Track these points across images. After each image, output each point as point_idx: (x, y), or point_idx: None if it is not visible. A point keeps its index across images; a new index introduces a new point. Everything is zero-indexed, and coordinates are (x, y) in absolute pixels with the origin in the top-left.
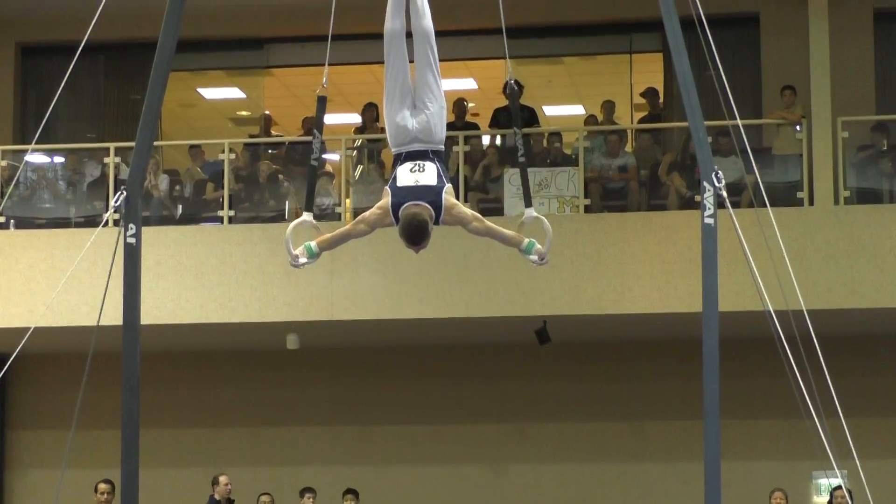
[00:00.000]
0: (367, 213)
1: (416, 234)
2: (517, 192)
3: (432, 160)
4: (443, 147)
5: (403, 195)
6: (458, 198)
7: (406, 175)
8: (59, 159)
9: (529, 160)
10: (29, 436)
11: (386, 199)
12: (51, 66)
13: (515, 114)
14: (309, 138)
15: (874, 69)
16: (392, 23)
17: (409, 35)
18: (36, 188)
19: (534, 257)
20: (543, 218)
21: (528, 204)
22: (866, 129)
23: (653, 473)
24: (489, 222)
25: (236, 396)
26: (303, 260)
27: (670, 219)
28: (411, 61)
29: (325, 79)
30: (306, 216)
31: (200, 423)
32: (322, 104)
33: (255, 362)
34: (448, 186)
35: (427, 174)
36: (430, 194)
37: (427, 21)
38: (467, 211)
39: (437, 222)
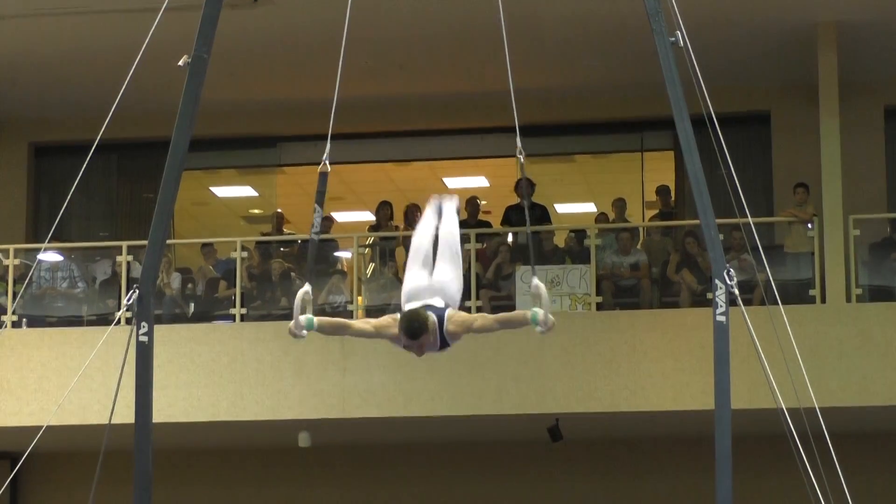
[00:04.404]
0: (377, 319)
1: (414, 324)
2: (529, 289)
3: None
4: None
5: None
6: (469, 295)
7: (415, 304)
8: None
9: (541, 258)
10: None
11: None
12: (63, 166)
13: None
14: (321, 237)
15: (885, 166)
16: (420, 240)
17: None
18: (49, 287)
19: (540, 328)
20: (538, 283)
21: (534, 273)
22: (878, 226)
23: None
24: (491, 315)
25: (248, 494)
26: (303, 331)
27: (682, 316)
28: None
29: (325, 155)
30: (307, 287)
31: None
32: (323, 180)
33: (267, 460)
34: (451, 308)
35: (434, 301)
36: (435, 310)
37: (453, 228)
38: (468, 315)
39: (442, 338)
